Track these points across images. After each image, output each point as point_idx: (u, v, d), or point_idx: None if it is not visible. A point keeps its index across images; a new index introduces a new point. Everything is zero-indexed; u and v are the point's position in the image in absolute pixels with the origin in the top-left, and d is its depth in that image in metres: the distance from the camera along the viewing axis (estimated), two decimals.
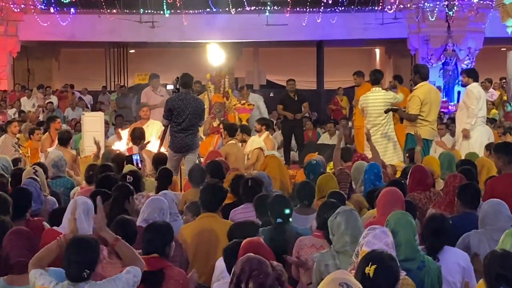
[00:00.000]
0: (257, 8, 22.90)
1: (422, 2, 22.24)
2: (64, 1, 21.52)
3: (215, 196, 6.26)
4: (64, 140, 10.41)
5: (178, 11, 22.39)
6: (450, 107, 20.73)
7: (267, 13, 22.83)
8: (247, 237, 4.86)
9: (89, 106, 22.31)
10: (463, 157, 9.33)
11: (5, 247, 4.74)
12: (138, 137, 10.52)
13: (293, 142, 14.64)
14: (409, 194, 7.01)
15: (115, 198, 6.38)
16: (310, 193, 6.74)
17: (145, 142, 10.16)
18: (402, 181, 7.24)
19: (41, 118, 17.91)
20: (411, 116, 10.37)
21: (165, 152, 10.08)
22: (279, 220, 5.81)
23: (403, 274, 4.23)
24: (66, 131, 10.97)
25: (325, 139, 15.74)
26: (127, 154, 9.95)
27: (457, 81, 22.39)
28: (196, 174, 7.87)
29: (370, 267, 3.70)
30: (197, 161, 10.53)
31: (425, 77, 10.52)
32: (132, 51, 29.19)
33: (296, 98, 14.33)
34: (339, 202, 6.07)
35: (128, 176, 7.28)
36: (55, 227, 5.65)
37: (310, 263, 5.26)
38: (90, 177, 7.98)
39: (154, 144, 11.02)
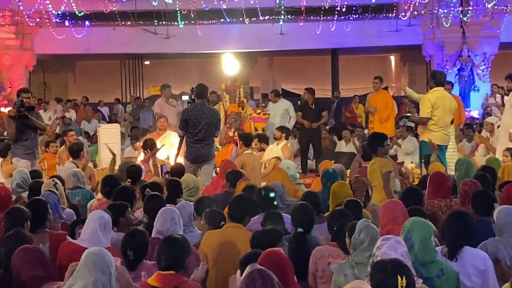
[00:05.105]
0: (271, 18, 22.94)
1: (436, 8, 22.20)
2: (79, 14, 21.66)
3: (244, 207, 6.28)
4: (74, 152, 10.40)
5: (193, 22, 22.48)
6: (466, 113, 20.65)
7: (281, 22, 22.87)
8: (270, 245, 4.88)
9: (106, 118, 22.41)
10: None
11: (14, 264, 4.76)
12: (149, 148, 10.55)
13: (310, 150, 14.65)
14: (428, 201, 7.00)
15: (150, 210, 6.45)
16: (317, 202, 6.78)
17: (154, 150, 10.15)
18: (418, 188, 7.25)
19: (57, 131, 18.01)
20: (422, 119, 10.35)
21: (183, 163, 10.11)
22: (300, 229, 5.84)
23: (419, 282, 4.23)
24: (75, 143, 10.94)
25: (341, 146, 15.70)
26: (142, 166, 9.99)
27: (472, 86, 22.31)
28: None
29: (403, 280, 3.71)
30: (213, 172, 10.57)
31: (440, 83, 10.48)
32: (147, 62, 29.33)
33: (313, 107, 14.34)
34: (356, 210, 6.12)
35: (147, 189, 7.31)
36: (72, 240, 5.67)
37: (327, 273, 5.27)
38: (106, 189, 7.96)
39: (171, 154, 11.06)
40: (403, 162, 13.13)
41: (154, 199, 6.65)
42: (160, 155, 10.98)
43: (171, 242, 4.85)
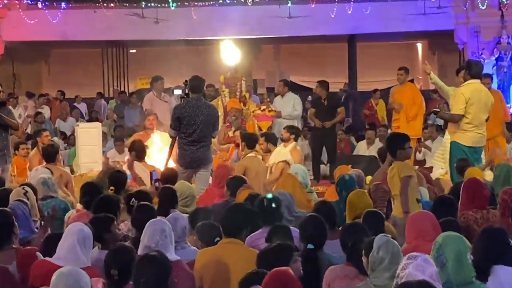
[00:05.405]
0: None
1: None
2: None
3: (240, 218, 6.24)
4: (50, 155, 10.38)
5: (186, 3, 22.47)
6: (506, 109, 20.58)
7: (289, 4, 22.86)
8: (280, 264, 4.88)
9: (84, 115, 22.41)
10: None
11: None
12: (138, 152, 10.55)
13: (324, 153, 14.65)
14: (462, 213, 6.99)
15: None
16: (331, 214, 6.77)
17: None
18: (450, 197, 7.24)
19: (28, 131, 18.01)
20: (454, 116, 10.32)
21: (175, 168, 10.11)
22: (310, 245, 5.84)
23: None
24: (49, 145, 10.95)
25: (360, 149, 15.67)
26: (127, 172, 10.00)
27: None
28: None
29: None
30: (210, 178, 10.58)
31: (476, 75, 10.47)
32: (133, 51, 29.34)
33: (326, 103, 14.33)
34: (376, 223, 6.14)
35: (132, 199, 7.30)
36: (47, 258, 5.67)
37: None
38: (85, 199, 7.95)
39: (160, 158, 11.07)
40: (432, 167, 13.10)
41: (144, 210, 6.64)
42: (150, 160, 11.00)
43: (148, 261, 4.87)
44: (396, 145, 8.18)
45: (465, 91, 10.21)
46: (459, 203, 7.14)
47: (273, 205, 6.89)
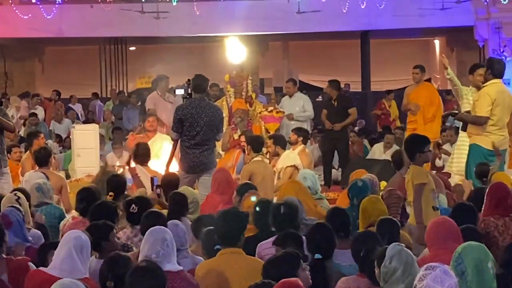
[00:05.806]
0: None
1: None
2: None
3: (232, 226, 6.20)
4: (42, 159, 10.39)
5: None
6: None
7: None
8: (286, 274, 4.86)
9: (80, 117, 22.41)
10: None
11: None
12: (142, 155, 10.55)
13: (335, 157, 14.65)
14: (483, 218, 6.98)
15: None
16: (345, 222, 6.78)
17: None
18: (470, 204, 7.23)
19: (21, 133, 18.01)
20: (480, 119, 10.28)
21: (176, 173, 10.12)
22: (317, 255, 5.84)
23: None
24: (42, 148, 10.91)
25: (374, 152, 15.65)
26: (128, 175, 10.02)
27: None
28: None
29: None
30: None
31: (498, 74, 10.47)
32: (133, 48, 29.38)
33: (336, 104, 14.33)
34: (391, 232, 6.14)
35: (132, 206, 7.30)
36: (42, 268, 5.67)
37: None
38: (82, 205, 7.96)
39: (161, 163, 11.08)
40: (450, 173, 13.07)
41: (154, 218, 6.64)
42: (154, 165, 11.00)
43: (140, 272, 4.90)
44: (416, 148, 8.13)
45: (491, 92, 10.18)
46: (483, 208, 7.13)
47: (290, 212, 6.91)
